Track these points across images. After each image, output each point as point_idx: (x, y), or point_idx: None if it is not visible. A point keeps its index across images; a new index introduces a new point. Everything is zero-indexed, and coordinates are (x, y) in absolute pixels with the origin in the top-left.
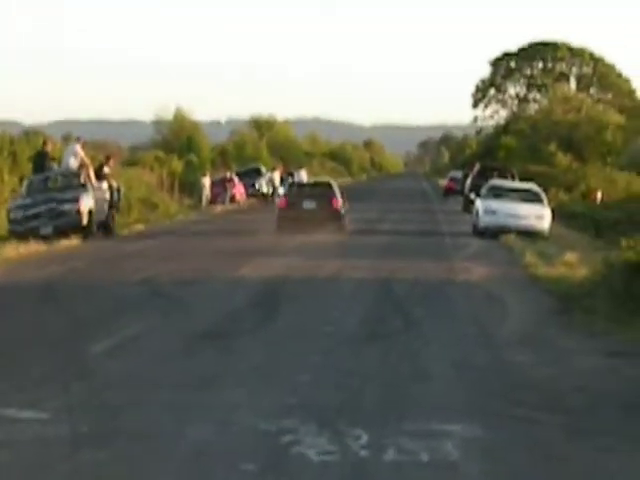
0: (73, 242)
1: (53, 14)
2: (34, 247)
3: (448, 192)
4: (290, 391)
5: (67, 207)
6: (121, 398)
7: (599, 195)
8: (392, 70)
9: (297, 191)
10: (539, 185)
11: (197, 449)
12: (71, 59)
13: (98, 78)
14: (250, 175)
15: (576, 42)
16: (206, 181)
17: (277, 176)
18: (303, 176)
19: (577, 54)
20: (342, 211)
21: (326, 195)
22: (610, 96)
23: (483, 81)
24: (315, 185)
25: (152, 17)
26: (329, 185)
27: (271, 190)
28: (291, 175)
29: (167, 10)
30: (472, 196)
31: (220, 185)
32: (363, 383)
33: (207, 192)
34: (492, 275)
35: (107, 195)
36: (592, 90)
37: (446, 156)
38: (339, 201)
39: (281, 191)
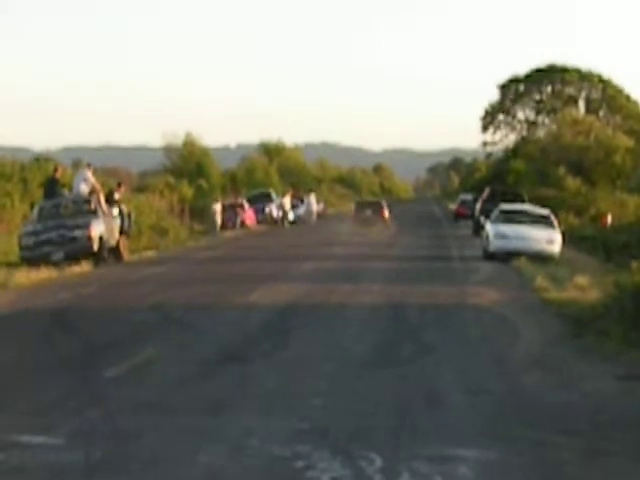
0: (84, 268)
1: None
2: (45, 273)
3: (458, 216)
4: (303, 416)
5: (78, 233)
6: (134, 423)
7: (609, 218)
8: (401, 95)
9: (361, 205)
10: (549, 209)
11: (211, 474)
12: (80, 85)
13: (107, 104)
14: (260, 200)
15: (585, 65)
16: (217, 207)
17: (288, 201)
18: (312, 201)
19: (586, 77)
20: (387, 217)
21: (378, 207)
22: (619, 119)
23: (492, 105)
24: (371, 202)
25: (161, 45)
26: (379, 202)
27: (281, 214)
28: (301, 200)
29: (175, 37)
30: (482, 220)
31: (231, 210)
32: (376, 408)
33: (219, 218)
34: (503, 299)
35: (118, 221)
36: (601, 113)
37: (455, 180)
38: (385, 211)
39: (291, 215)
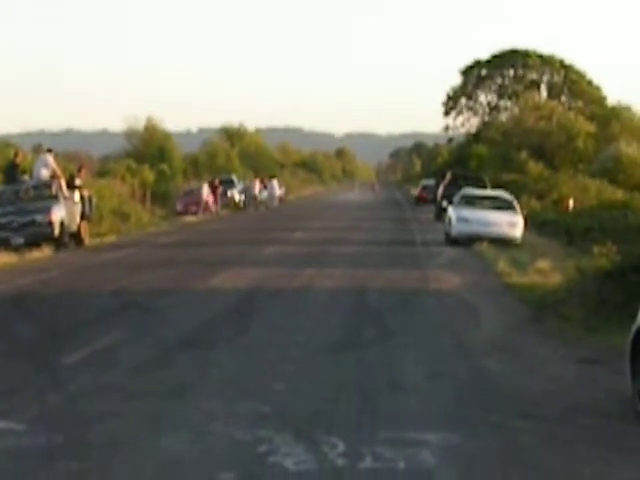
0: (45, 253)
1: (26, 25)
2: (5, 258)
3: (420, 200)
4: (265, 401)
5: (39, 218)
6: (96, 408)
7: (571, 203)
8: (363, 79)
9: (369, 184)
10: (511, 193)
11: (173, 459)
12: (41, 69)
13: (68, 89)
14: (223, 185)
15: (547, 50)
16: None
17: (257, 186)
18: (275, 185)
19: (548, 62)
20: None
21: (374, 185)
22: (581, 104)
23: (454, 89)
24: (372, 182)
25: (121, 28)
26: (374, 183)
27: (252, 199)
28: (264, 186)
29: (136, 20)
30: (444, 204)
31: (192, 195)
32: (338, 393)
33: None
34: (465, 283)
35: (79, 206)
36: (563, 98)
37: (418, 165)
38: (377, 186)
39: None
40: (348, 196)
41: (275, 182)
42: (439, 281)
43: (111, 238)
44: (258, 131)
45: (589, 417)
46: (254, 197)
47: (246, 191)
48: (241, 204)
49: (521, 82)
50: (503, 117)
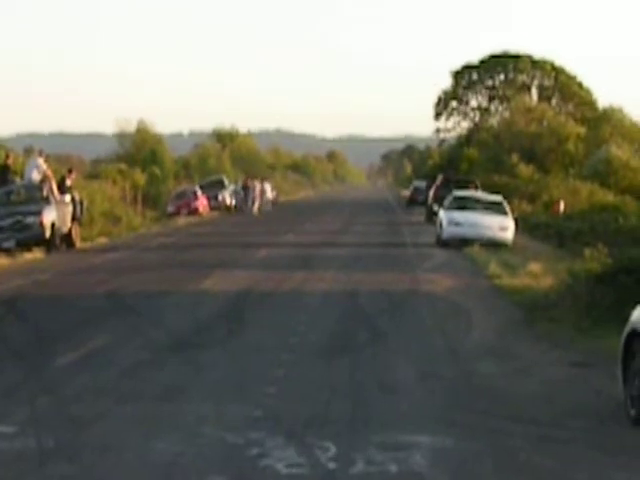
0: (36, 255)
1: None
2: None
3: (411, 202)
4: (257, 404)
5: (30, 220)
6: (88, 411)
7: (562, 206)
8: (354, 82)
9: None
10: (502, 196)
11: (165, 462)
12: (32, 71)
13: (59, 91)
14: (213, 187)
15: (537, 53)
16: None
17: (257, 187)
18: (268, 188)
19: (538, 65)
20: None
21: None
22: (571, 107)
23: (445, 93)
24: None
25: (114, 30)
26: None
27: (250, 202)
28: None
29: (128, 23)
30: (435, 207)
31: (183, 197)
32: (330, 395)
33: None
34: (457, 286)
35: (70, 208)
36: (553, 101)
37: (409, 168)
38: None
39: (257, 203)
40: (341, 197)
41: (268, 185)
42: (430, 284)
43: (102, 241)
44: (249, 134)
45: (581, 420)
46: (253, 199)
47: (240, 193)
48: (233, 207)
49: (512, 85)
50: (494, 120)
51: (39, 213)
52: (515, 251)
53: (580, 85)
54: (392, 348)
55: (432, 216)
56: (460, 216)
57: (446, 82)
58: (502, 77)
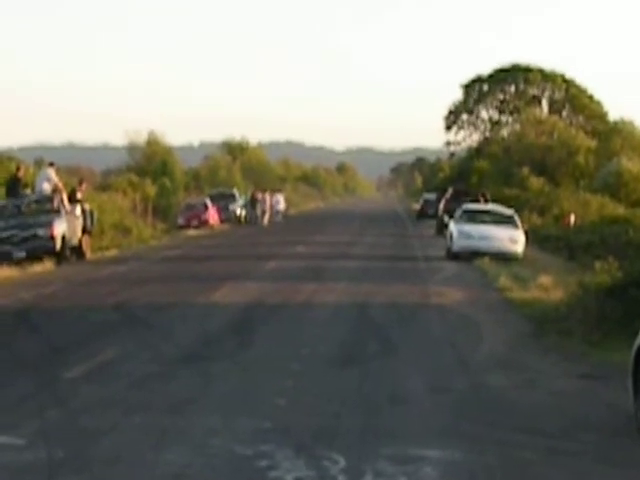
0: (46, 267)
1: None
2: (7, 272)
3: (421, 215)
4: (267, 415)
5: (40, 232)
6: (97, 423)
7: (572, 218)
8: (364, 94)
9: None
10: (512, 208)
11: (174, 474)
12: (42, 83)
13: (70, 102)
14: (224, 199)
15: (548, 65)
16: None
17: (268, 199)
18: (280, 200)
19: (549, 77)
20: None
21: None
22: (582, 119)
23: (455, 105)
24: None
25: (125, 42)
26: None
27: (260, 213)
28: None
29: (138, 34)
30: (446, 219)
31: (194, 209)
32: (340, 408)
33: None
34: (467, 298)
35: (80, 220)
36: (564, 113)
37: (419, 180)
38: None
39: (267, 215)
40: (351, 209)
41: (280, 196)
42: (441, 296)
43: (112, 252)
44: (260, 145)
45: (591, 433)
46: (263, 211)
47: (251, 205)
48: (243, 218)
49: (522, 97)
50: (504, 132)
51: (50, 225)
52: (525, 264)
53: (591, 98)
54: (402, 360)
55: (442, 229)
56: (470, 229)
57: (457, 95)
58: (512, 89)
